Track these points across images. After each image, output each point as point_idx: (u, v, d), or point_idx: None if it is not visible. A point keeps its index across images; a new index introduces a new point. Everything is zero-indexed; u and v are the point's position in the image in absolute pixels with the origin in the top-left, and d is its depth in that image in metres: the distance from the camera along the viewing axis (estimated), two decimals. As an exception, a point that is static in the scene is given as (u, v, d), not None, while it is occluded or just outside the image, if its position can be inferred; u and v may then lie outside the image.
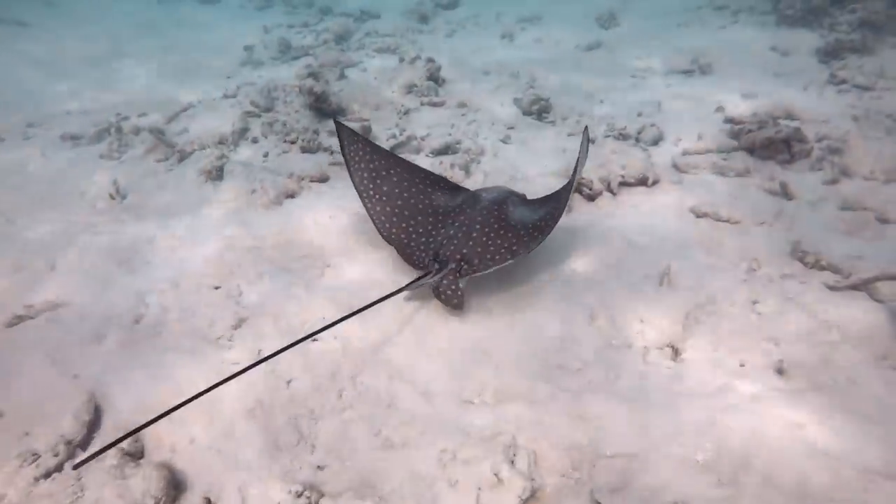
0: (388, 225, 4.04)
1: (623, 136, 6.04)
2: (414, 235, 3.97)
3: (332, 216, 4.85)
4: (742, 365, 3.40)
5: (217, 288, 4.23)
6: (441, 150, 5.97)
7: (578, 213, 4.96)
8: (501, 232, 3.81)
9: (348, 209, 4.96)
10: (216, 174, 5.82)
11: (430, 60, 7.68)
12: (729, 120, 5.86)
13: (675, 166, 5.49)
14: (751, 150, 5.54)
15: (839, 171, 5.14)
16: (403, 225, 4.02)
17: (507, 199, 4.09)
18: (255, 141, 6.51)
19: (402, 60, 8.08)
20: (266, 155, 6.14)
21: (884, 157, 5.02)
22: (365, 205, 4.11)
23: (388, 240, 4.02)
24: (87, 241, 4.82)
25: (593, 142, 6.05)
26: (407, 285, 3.64)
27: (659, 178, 5.30)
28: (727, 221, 4.65)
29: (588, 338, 3.65)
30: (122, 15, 12.15)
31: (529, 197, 4.34)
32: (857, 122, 6.03)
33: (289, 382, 3.45)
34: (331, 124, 6.58)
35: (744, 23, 9.77)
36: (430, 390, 3.40)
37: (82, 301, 4.15)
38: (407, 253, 3.93)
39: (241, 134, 6.63)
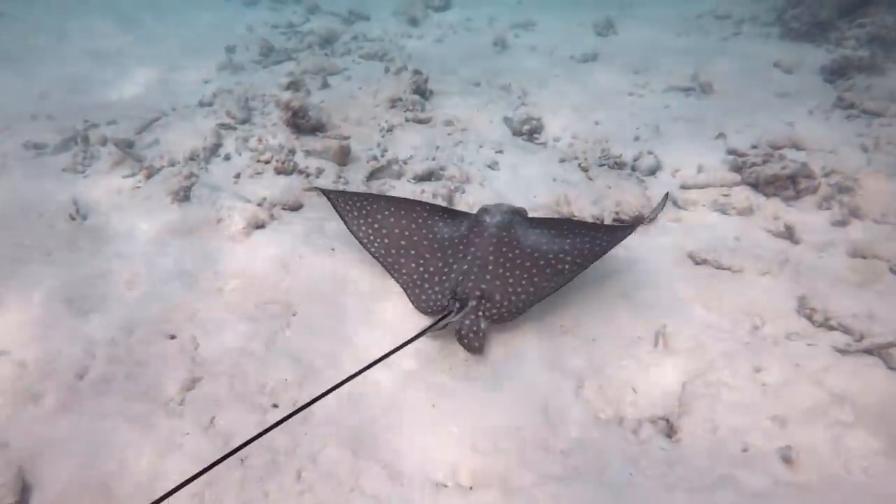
0: (398, 268, 3.90)
1: (618, 165, 5.68)
2: (426, 275, 3.81)
3: (302, 255, 4.47)
4: (745, 450, 3.07)
5: (173, 338, 3.86)
6: (424, 176, 5.59)
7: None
8: (518, 262, 3.68)
9: (318, 245, 4.59)
10: (183, 196, 5.43)
11: (417, 72, 7.27)
12: (731, 151, 5.51)
13: (674, 202, 5.14)
14: (755, 186, 5.19)
15: (848, 211, 4.80)
16: (413, 265, 3.86)
17: (512, 222, 3.93)
18: (227, 158, 6.10)
19: (387, 70, 7.66)
20: (238, 176, 5.74)
21: (897, 198, 4.69)
22: (372, 254, 3.99)
23: (402, 284, 3.88)
24: (36, 273, 4.42)
25: (587, 171, 5.69)
26: (428, 328, 3.35)
27: (656, 215, 4.95)
28: (728, 269, 4.31)
29: (575, 411, 3.31)
30: (102, 8, 11.61)
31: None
32: (868, 153, 5.69)
33: (243, 460, 3.08)
34: (309, 143, 6.18)
35: (746, 35, 9.41)
36: (400, 470, 3.06)
37: (21, 350, 3.76)
38: (420, 297, 3.77)
39: (214, 150, 6.22)
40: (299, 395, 3.43)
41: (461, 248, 3.82)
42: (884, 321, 3.75)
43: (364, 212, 4.05)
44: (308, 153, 6.01)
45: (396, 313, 3.97)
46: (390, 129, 6.55)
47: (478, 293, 3.58)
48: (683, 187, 5.31)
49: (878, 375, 3.42)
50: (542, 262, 3.65)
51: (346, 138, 6.36)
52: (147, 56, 9.13)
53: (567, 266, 3.61)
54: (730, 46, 8.90)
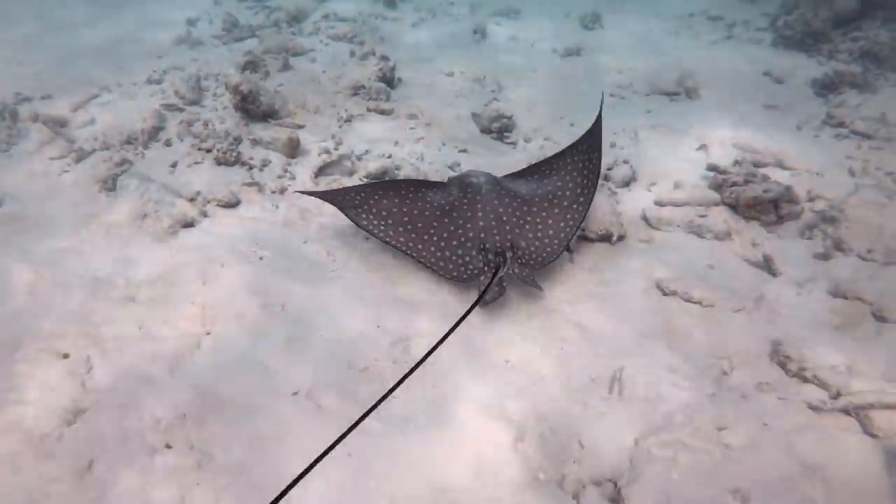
0: (412, 246, 3.77)
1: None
2: (443, 244, 3.74)
3: (225, 263, 3.97)
4: (700, 531, 2.68)
5: (66, 357, 3.37)
6: (377, 175, 5.10)
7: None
8: (525, 209, 3.89)
9: (245, 252, 4.10)
10: (111, 185, 4.90)
11: (385, 58, 6.74)
12: (712, 168, 5.08)
13: (646, 219, 4.72)
14: (734, 207, 4.78)
15: (832, 243, 4.42)
16: (426, 238, 3.78)
17: (496, 179, 4.18)
18: (168, 144, 5.55)
19: (353, 55, 7.10)
20: (174, 165, 5.20)
21: (885, 233, 4.30)
22: (386, 242, 3.82)
23: (425, 262, 3.73)
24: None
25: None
26: (484, 291, 3.38)
27: (625, 233, 4.53)
28: (699, 303, 3.91)
29: (511, 470, 2.88)
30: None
31: None
32: (856, 177, 5.31)
33: None
34: (257, 131, 5.65)
35: (738, 39, 8.97)
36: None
37: None
38: (449, 267, 3.66)
39: (154, 134, 5.66)
40: (198, 435, 2.97)
41: (466, 209, 3.85)
42: (863, 375, 3.38)
43: (358, 200, 3.96)
44: (255, 142, 5.48)
45: (325, 337, 3.51)
46: (349, 120, 6.03)
47: (508, 244, 3.65)
48: (658, 203, 4.89)
49: (855, 443, 3.05)
50: (545, 204, 3.90)
51: (300, 127, 5.86)
52: (100, 26, 8.45)
53: (569, 197, 3.95)
54: (720, 50, 8.46)
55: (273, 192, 4.92)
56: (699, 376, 3.39)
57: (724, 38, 8.99)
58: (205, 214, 4.60)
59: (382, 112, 6.19)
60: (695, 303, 3.91)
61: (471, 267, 3.62)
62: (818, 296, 4.03)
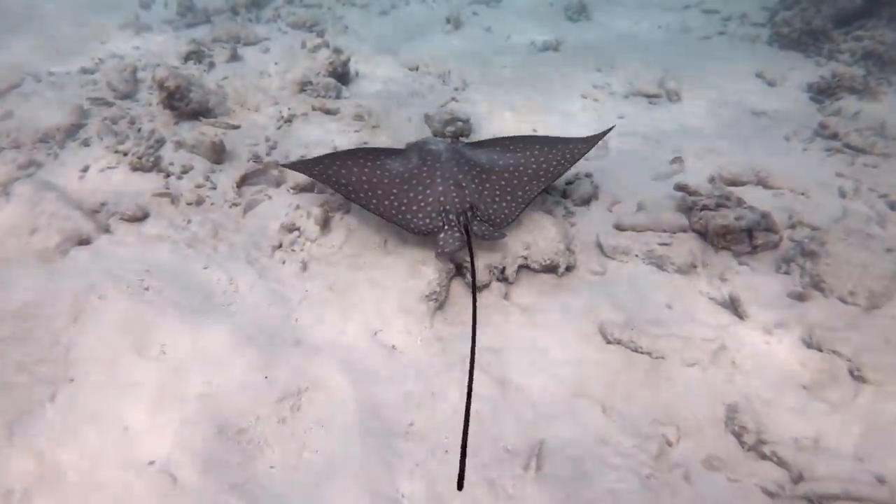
0: (376, 205, 3.81)
1: (546, 189, 4.67)
2: (403, 207, 3.79)
3: (105, 294, 3.45)
4: None
5: None
6: (306, 187, 4.56)
7: (448, 314, 3.63)
8: (483, 176, 3.98)
9: (131, 281, 3.57)
10: (3, 191, 4.38)
11: (337, 51, 6.16)
12: (681, 188, 4.51)
13: (601, 247, 4.17)
14: (703, 234, 4.23)
15: (810, 281, 3.87)
16: (387, 202, 3.81)
17: (455, 146, 4.26)
18: (86, 144, 5.02)
19: (303, 46, 6.51)
20: (85, 169, 4.67)
21: (870, 272, 3.74)
22: (346, 197, 3.90)
23: (387, 217, 3.78)
24: None
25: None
26: (445, 250, 3.59)
27: (575, 264, 4.00)
28: (648, 354, 3.38)
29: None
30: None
31: None
32: (845, 199, 4.75)
33: None
34: (184, 132, 5.12)
35: (732, 35, 8.33)
36: None
37: None
38: (411, 221, 3.73)
39: (72, 132, 5.13)
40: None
41: (425, 176, 3.90)
42: (831, 454, 2.86)
43: (318, 169, 4.03)
44: (179, 145, 4.94)
45: (197, 391, 3.00)
46: (289, 120, 5.48)
47: (468, 205, 3.72)
48: (618, 227, 4.34)
49: (814, 545, 2.54)
50: (506, 174, 3.99)
51: (234, 127, 5.33)
52: (47, 5, 7.87)
53: (531, 173, 4.02)
54: (710, 47, 7.84)
55: (188, 205, 4.39)
56: (636, 450, 2.88)
57: (716, 33, 8.36)
58: (106, 230, 4.09)
59: (327, 111, 5.63)
60: (643, 353, 3.38)
61: (430, 226, 3.69)
62: (788, 345, 3.50)
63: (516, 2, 9.13)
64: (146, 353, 3.14)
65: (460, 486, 2.16)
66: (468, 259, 3.58)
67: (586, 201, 4.66)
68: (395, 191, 3.86)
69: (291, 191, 4.58)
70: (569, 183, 4.77)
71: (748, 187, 4.90)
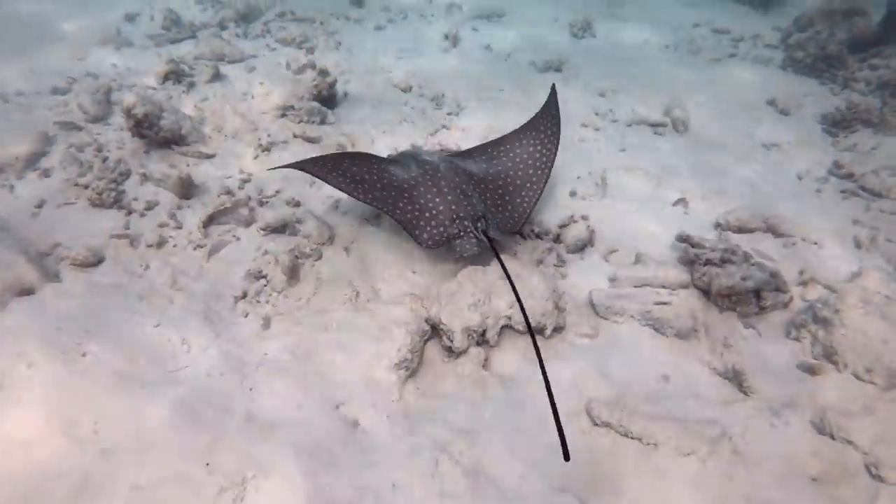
0: (395, 211, 3.74)
1: (538, 234, 4.33)
2: (419, 214, 3.74)
3: (34, 362, 3.11)
4: None
5: None
6: (277, 227, 4.24)
7: (420, 383, 3.29)
8: (482, 186, 3.98)
9: (67, 346, 3.23)
10: (-51, 229, 4.05)
11: (324, 73, 5.82)
12: (683, 238, 4.15)
13: (594, 306, 3.81)
14: (706, 292, 3.87)
15: (822, 352, 3.51)
16: (401, 205, 3.76)
17: (446, 157, 4.23)
18: (46, 174, 4.69)
19: (288, 67, 6.17)
20: (40, 205, 4.35)
21: (890, 347, 3.38)
22: (362, 200, 3.73)
23: (401, 222, 3.74)
24: None
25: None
26: (464, 255, 3.64)
27: (564, 324, 3.66)
28: (638, 440, 3.03)
29: None
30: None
31: None
32: (860, 250, 4.39)
33: None
34: (152, 163, 4.80)
35: (743, 57, 7.94)
36: None
37: None
38: (423, 234, 3.70)
39: (33, 160, 4.81)
40: None
41: (430, 185, 3.84)
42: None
43: (330, 166, 3.83)
44: (145, 178, 4.62)
45: (128, 481, 2.66)
46: (267, 149, 5.14)
47: (480, 213, 3.72)
48: (613, 281, 3.98)
49: None
50: (500, 182, 4.03)
51: (208, 157, 5.00)
52: (24, 22, 7.56)
53: (521, 177, 4.10)
54: (721, 71, 7.45)
55: (149, 247, 4.07)
56: (620, 565, 2.52)
57: (727, 55, 7.97)
58: (55, 276, 3.75)
59: (309, 139, 5.30)
60: (633, 439, 3.03)
61: (445, 234, 3.66)
62: (797, 430, 3.14)
63: (520, 17, 8.78)
64: (74, 434, 2.81)
65: None
66: (443, 323, 3.25)
67: (580, 248, 4.31)
68: (406, 195, 3.79)
69: (262, 231, 4.25)
70: (563, 226, 4.41)
71: (756, 234, 4.54)
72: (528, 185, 4.05)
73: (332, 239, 4.17)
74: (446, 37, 7.74)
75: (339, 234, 4.24)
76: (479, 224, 3.65)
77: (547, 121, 4.30)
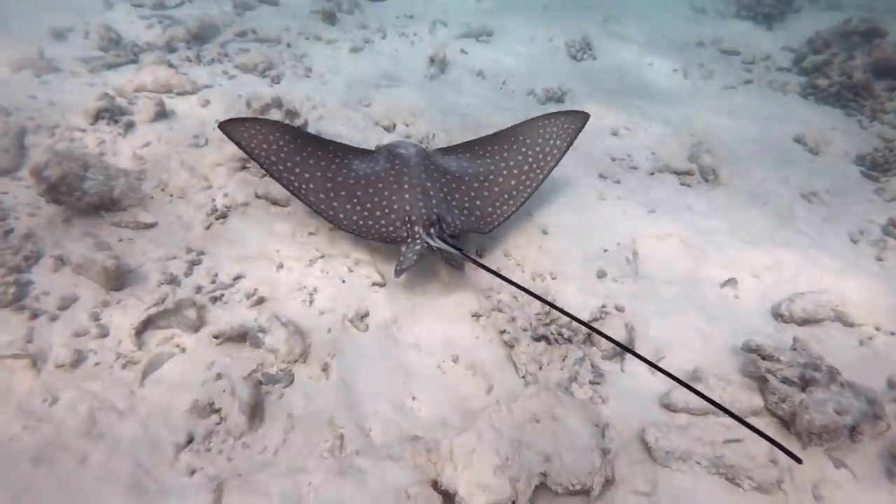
0: (333, 214, 3.56)
1: (559, 337, 3.45)
2: (366, 213, 3.57)
3: None
4: None
5: None
6: (233, 337, 3.27)
7: None
8: (454, 185, 3.78)
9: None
10: None
11: (291, 113, 4.86)
12: (752, 349, 3.32)
13: (648, 448, 2.95)
14: (784, 420, 3.05)
15: (946, 511, 2.71)
16: (348, 207, 3.58)
17: (425, 152, 4.02)
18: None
19: (248, 106, 5.18)
20: None
21: None
22: (297, 196, 3.61)
23: (341, 224, 3.56)
24: None
25: (512, 345, 3.44)
26: (402, 268, 3.37)
27: (613, 476, 2.78)
28: None
29: None
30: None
31: None
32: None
33: None
34: (69, 241, 3.78)
35: (759, 83, 7.24)
36: None
37: None
38: (371, 230, 3.54)
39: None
40: None
41: (392, 181, 3.69)
42: None
43: (282, 155, 3.68)
44: (60, 262, 3.60)
45: None
46: (223, 216, 4.16)
47: (435, 217, 3.52)
48: (668, 408, 3.13)
49: None
50: (475, 184, 3.82)
51: (148, 227, 3.99)
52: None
53: (503, 183, 3.85)
54: (739, 101, 6.72)
55: (59, 367, 3.06)
56: None
57: (742, 81, 7.23)
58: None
59: (275, 202, 4.32)
60: None
61: (394, 235, 3.52)
62: None
63: (512, 36, 7.90)
64: None
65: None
66: (460, 496, 2.35)
67: (619, 352, 3.44)
68: (359, 193, 3.62)
69: (215, 340, 3.28)
70: (594, 319, 3.55)
71: (824, 325, 3.76)
72: (514, 192, 3.83)
73: (305, 354, 3.22)
74: (432, 61, 6.81)
75: (314, 344, 3.29)
76: (430, 230, 3.45)
77: (554, 138, 4.00)
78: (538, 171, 3.90)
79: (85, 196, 3.89)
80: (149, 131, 4.95)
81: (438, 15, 8.10)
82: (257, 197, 4.36)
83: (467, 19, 8.14)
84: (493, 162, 3.95)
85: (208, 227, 4.06)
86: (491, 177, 3.86)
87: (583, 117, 4.10)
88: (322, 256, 3.87)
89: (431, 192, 3.63)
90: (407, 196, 3.60)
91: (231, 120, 3.82)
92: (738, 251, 4.25)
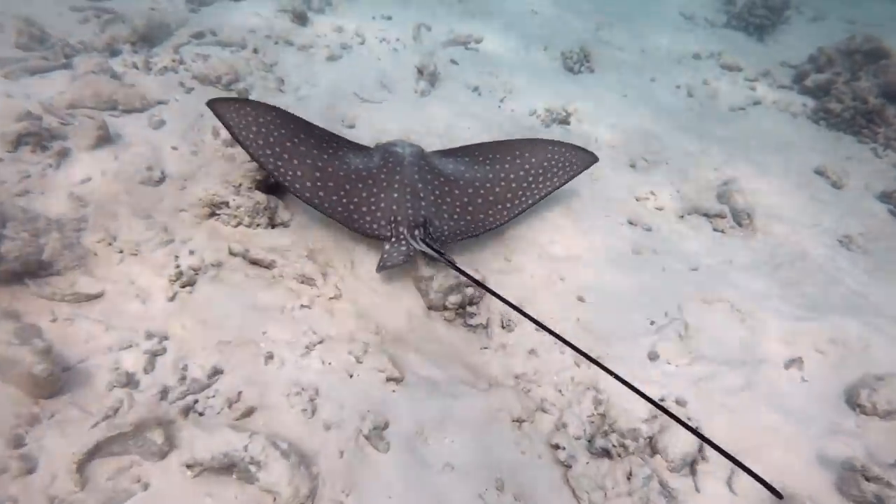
0: (318, 202, 3.43)
1: (622, 449, 2.82)
2: (352, 206, 3.45)
3: None
4: None
5: None
6: (217, 469, 2.50)
7: None
8: (446, 188, 3.67)
9: None
10: None
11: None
12: (855, 468, 2.77)
13: None
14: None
15: None
16: (335, 198, 3.45)
17: (422, 152, 3.91)
18: None
19: (216, 135, 4.26)
20: None
21: None
22: (283, 183, 3.45)
23: (326, 212, 3.44)
24: None
25: (569, 464, 2.80)
26: (385, 265, 3.31)
27: None
28: None
29: None
30: None
31: None
32: None
33: None
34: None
35: (767, 105, 6.80)
36: None
37: None
38: (355, 224, 3.43)
39: None
40: None
41: (382, 179, 3.59)
42: None
43: (271, 139, 3.49)
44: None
45: None
46: (189, 283, 3.32)
47: (421, 219, 3.43)
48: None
49: None
50: (470, 190, 3.70)
51: (92, 298, 3.13)
52: None
53: (499, 193, 3.72)
54: (751, 126, 6.27)
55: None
56: None
57: (751, 102, 6.77)
58: None
59: (255, 263, 3.51)
60: None
61: (377, 232, 3.44)
62: None
63: (501, 43, 7.17)
64: None
65: None
66: None
67: (688, 463, 2.85)
68: (347, 186, 3.50)
69: (190, 472, 2.48)
70: (653, 417, 2.93)
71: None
72: (508, 204, 3.73)
73: (313, 495, 2.46)
74: (421, 72, 6.03)
75: (323, 476, 2.54)
76: (415, 232, 3.35)
77: (558, 168, 3.90)
78: (535, 192, 3.78)
79: (1, 262, 2.99)
80: (89, 162, 4.03)
81: (419, 16, 7.29)
82: (232, 254, 3.53)
83: (451, 22, 7.37)
84: (493, 170, 3.82)
85: (172, 298, 3.23)
86: (487, 185, 3.73)
87: (591, 160, 4.02)
88: (321, 341, 3.10)
89: (422, 195, 3.54)
90: (395, 196, 3.50)
91: (222, 99, 3.59)
92: (796, 321, 3.73)
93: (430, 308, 3.49)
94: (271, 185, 3.94)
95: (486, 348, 3.38)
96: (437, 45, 6.79)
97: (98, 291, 3.18)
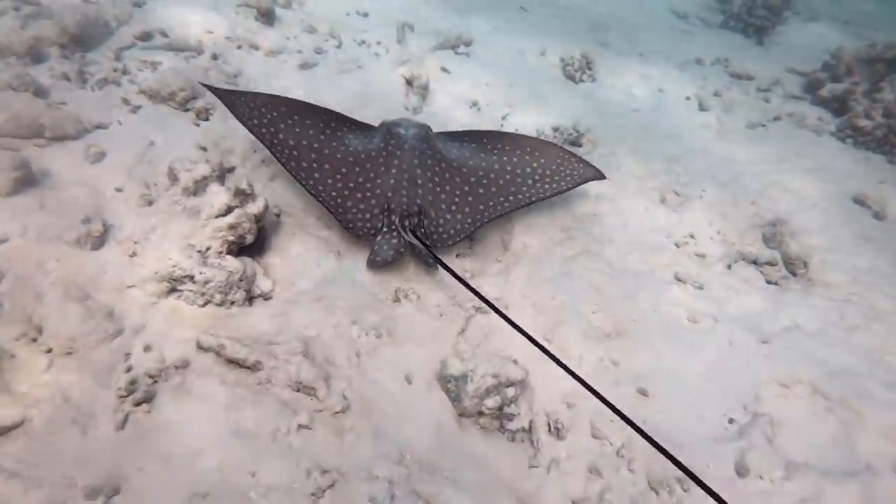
0: (313, 184, 3.30)
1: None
2: (347, 192, 3.31)
3: None
4: None
5: None
6: None
7: None
8: (447, 176, 3.49)
9: None
10: None
11: (243, 195, 3.16)
12: None
13: None
14: None
15: None
16: (330, 181, 3.33)
17: (428, 134, 3.67)
18: None
19: (174, 179, 3.36)
20: None
21: None
22: (283, 165, 3.34)
23: (324, 203, 3.28)
24: None
25: None
26: (376, 259, 3.17)
27: None
28: None
29: None
30: None
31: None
32: None
33: None
34: None
35: (786, 121, 6.25)
36: None
37: None
38: (347, 216, 3.27)
39: None
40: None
41: (380, 163, 3.43)
42: None
43: (266, 119, 3.42)
44: None
45: None
46: (148, 398, 2.48)
47: (416, 209, 3.30)
48: None
49: None
50: (472, 178, 3.54)
51: (6, 431, 2.24)
52: None
53: (502, 185, 3.56)
54: (777, 148, 5.69)
55: None
56: None
57: (770, 118, 6.21)
58: None
59: (233, 362, 2.68)
60: None
61: (369, 225, 3.28)
62: None
63: (493, 47, 6.41)
64: None
65: None
66: None
67: None
68: (343, 169, 3.36)
69: None
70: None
71: None
72: (510, 197, 3.54)
73: None
74: (410, 84, 5.21)
75: None
76: (405, 222, 3.21)
77: (563, 174, 3.71)
78: (538, 191, 3.61)
79: None
80: (4, 216, 3.08)
81: (400, 14, 6.42)
82: (202, 349, 2.69)
83: (437, 22, 6.54)
84: (499, 161, 3.67)
85: (123, 425, 2.38)
86: (492, 175, 3.58)
87: (597, 175, 3.81)
88: (332, 485, 2.31)
89: (419, 181, 3.39)
90: (392, 182, 3.35)
91: (231, 91, 3.55)
92: (887, 409, 3.14)
93: (461, 415, 2.74)
94: (250, 244, 3.10)
95: (534, 467, 2.66)
96: (424, 49, 5.95)
97: (16, 420, 2.31)
